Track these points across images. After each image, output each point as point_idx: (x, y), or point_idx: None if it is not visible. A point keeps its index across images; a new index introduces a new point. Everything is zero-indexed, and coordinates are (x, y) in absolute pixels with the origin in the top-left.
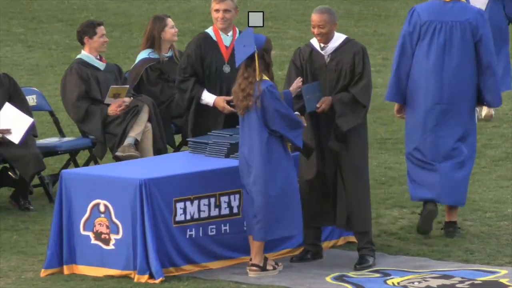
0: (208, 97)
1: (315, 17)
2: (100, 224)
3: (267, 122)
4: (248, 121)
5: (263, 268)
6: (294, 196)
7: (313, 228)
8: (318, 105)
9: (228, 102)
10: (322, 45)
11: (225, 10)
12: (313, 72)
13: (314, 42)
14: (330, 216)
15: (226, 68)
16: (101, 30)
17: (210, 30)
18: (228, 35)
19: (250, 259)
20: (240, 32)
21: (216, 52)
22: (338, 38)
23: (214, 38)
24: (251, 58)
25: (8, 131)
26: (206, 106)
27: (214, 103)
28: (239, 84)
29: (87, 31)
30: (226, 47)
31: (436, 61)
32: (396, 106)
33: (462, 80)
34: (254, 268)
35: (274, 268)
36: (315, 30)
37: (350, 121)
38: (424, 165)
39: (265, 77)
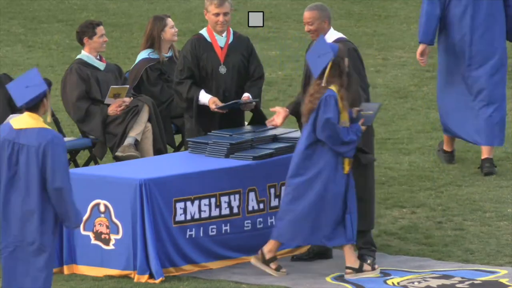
0: (204, 98)
1: (305, 14)
2: (100, 224)
3: (316, 129)
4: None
5: (264, 261)
6: (319, 209)
7: None
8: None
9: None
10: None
11: (225, 13)
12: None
13: None
14: None
15: (222, 69)
16: (100, 30)
17: (204, 31)
18: (222, 36)
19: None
20: (234, 32)
21: (212, 53)
22: (331, 37)
23: (209, 39)
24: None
25: None
26: (202, 106)
27: (208, 103)
28: (309, 91)
29: (86, 31)
30: (221, 48)
31: (465, 9)
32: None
33: (493, 23)
34: (255, 258)
35: (277, 270)
36: (305, 27)
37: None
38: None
39: (332, 87)
